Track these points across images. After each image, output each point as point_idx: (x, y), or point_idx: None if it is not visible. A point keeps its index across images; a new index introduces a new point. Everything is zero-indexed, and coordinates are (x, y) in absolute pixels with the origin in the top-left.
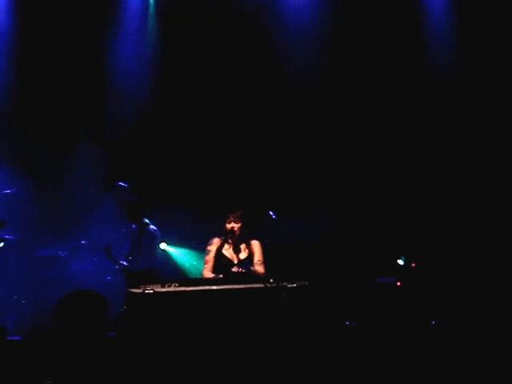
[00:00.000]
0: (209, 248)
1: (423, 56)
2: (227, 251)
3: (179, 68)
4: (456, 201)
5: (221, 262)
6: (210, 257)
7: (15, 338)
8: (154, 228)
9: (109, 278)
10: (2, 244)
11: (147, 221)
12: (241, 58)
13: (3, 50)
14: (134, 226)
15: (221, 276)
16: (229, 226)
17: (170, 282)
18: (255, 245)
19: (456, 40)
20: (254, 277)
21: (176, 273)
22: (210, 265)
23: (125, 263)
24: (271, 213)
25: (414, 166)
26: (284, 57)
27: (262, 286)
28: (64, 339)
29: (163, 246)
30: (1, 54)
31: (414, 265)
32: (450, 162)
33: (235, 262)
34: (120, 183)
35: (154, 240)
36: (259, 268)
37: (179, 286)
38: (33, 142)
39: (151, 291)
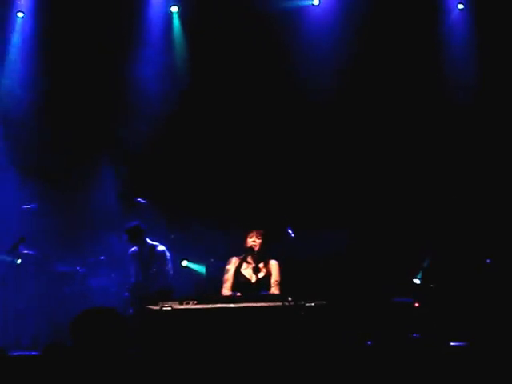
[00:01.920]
0: (227, 267)
1: (441, 74)
2: (245, 270)
3: (200, 82)
4: (475, 219)
5: (239, 280)
6: (229, 276)
7: (32, 354)
8: (162, 249)
9: (126, 294)
10: (19, 260)
11: (151, 242)
12: (263, 72)
13: (29, 64)
14: (136, 248)
15: (238, 294)
16: (250, 240)
17: (188, 300)
18: (274, 265)
19: (475, 59)
20: (271, 295)
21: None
22: (228, 284)
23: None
24: (290, 231)
25: (431, 184)
26: (303, 70)
27: (280, 304)
28: (80, 356)
29: (184, 263)
30: (26, 68)
31: (432, 285)
32: (468, 181)
33: (253, 281)
34: (139, 199)
35: (161, 260)
36: (275, 289)
37: (197, 303)
38: (54, 156)
39: (169, 308)
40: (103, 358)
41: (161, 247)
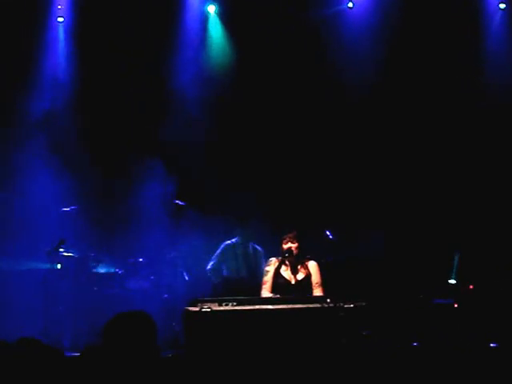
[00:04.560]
0: (267, 269)
1: (482, 75)
2: (285, 272)
3: (240, 84)
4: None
5: (278, 282)
6: (269, 277)
7: (72, 355)
8: (261, 249)
9: (166, 295)
10: (59, 265)
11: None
12: (302, 74)
13: (70, 66)
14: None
15: (278, 296)
16: (285, 246)
17: (227, 301)
18: (313, 266)
19: None
20: (310, 297)
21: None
22: (268, 285)
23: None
24: (328, 232)
25: (468, 183)
26: (342, 72)
27: (319, 306)
28: (113, 359)
29: None
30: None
31: (471, 286)
32: (504, 181)
33: (293, 282)
34: (177, 201)
35: (262, 260)
36: (318, 291)
37: (237, 305)
38: (94, 158)
39: (208, 309)
40: (134, 361)
41: (260, 247)
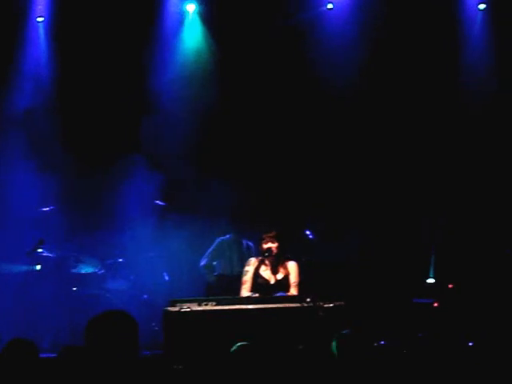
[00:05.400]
0: (246, 268)
1: (459, 76)
2: (264, 272)
3: (222, 85)
4: (492, 216)
5: (258, 282)
6: (248, 277)
7: (50, 356)
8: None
9: (145, 296)
10: (39, 266)
11: None
12: (283, 75)
13: (51, 65)
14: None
15: (257, 295)
16: (265, 246)
17: (207, 301)
18: (292, 266)
19: (495, 62)
20: (290, 296)
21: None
22: (248, 285)
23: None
24: (308, 232)
25: (444, 182)
26: (322, 71)
27: (298, 305)
28: (94, 360)
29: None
30: (49, 70)
31: (451, 286)
32: (483, 183)
33: (272, 282)
34: (157, 201)
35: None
36: (294, 290)
37: (216, 304)
38: (72, 158)
39: (188, 309)
40: (115, 361)
41: (252, 244)
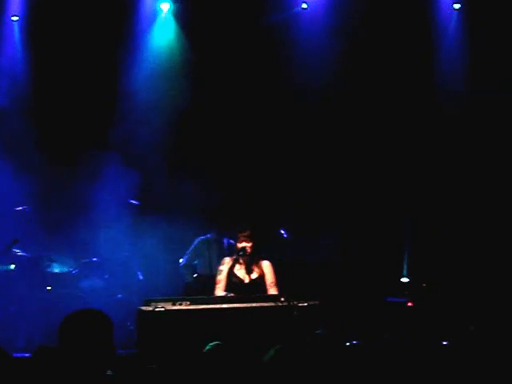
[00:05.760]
0: (221, 268)
1: (433, 76)
2: (239, 271)
3: (196, 86)
4: (467, 215)
5: (232, 281)
6: (222, 276)
7: (25, 355)
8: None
9: (120, 295)
10: (13, 266)
11: None
12: (258, 74)
13: (25, 64)
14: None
15: (231, 294)
16: (239, 245)
17: (181, 301)
18: (267, 266)
19: (467, 66)
20: (264, 296)
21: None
22: (222, 284)
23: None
24: (282, 231)
25: (423, 183)
26: (298, 71)
27: (273, 304)
28: (69, 359)
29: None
30: (23, 69)
31: (425, 284)
32: (456, 182)
33: (246, 281)
34: (131, 200)
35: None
36: (273, 290)
37: (190, 304)
38: (46, 156)
39: (162, 309)
40: (91, 360)
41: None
